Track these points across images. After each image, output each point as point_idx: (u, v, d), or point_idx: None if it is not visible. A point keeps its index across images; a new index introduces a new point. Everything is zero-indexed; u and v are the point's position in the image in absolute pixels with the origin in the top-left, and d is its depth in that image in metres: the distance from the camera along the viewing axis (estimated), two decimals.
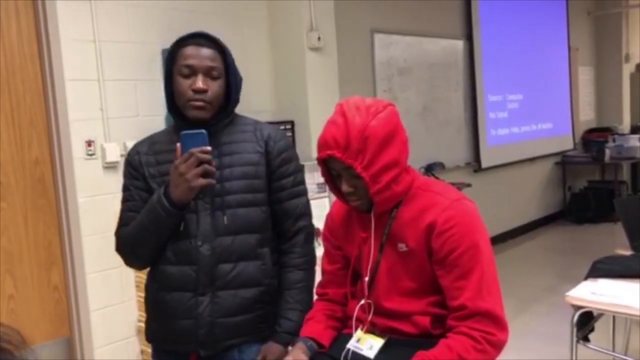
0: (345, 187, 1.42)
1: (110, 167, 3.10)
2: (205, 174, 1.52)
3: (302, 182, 1.76)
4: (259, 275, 1.64)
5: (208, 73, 1.60)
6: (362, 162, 1.35)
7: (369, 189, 1.38)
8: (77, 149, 2.97)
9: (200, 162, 1.51)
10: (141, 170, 1.68)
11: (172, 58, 1.63)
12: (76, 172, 2.97)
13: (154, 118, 3.30)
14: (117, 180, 3.11)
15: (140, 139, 3.12)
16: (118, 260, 3.09)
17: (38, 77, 2.91)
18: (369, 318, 1.48)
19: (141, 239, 1.63)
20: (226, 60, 1.63)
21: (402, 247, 1.43)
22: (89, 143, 3.02)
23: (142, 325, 3.18)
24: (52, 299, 2.98)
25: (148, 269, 1.75)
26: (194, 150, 1.51)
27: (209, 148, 1.52)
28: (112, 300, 3.13)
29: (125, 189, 1.72)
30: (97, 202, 3.05)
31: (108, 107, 3.09)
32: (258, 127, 1.72)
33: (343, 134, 1.36)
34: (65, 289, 3.01)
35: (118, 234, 1.70)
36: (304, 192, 1.76)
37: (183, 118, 1.64)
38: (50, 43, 2.88)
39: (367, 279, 1.48)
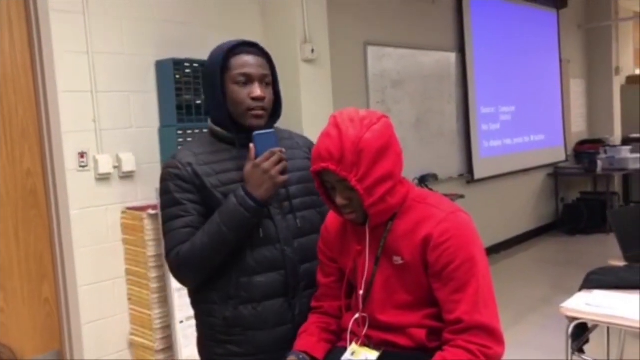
0: (339, 200, 1.41)
1: (102, 179, 3.08)
2: (282, 171, 1.57)
3: None
4: None
5: (262, 80, 1.62)
6: (356, 174, 1.34)
7: (363, 202, 1.37)
8: (70, 160, 2.96)
9: (281, 160, 1.56)
10: (197, 182, 1.60)
11: (223, 66, 1.61)
12: (68, 184, 2.95)
13: (147, 130, 3.29)
14: (109, 193, 3.11)
15: (133, 150, 3.18)
16: (110, 273, 3.13)
17: (31, 88, 2.90)
18: (364, 332, 1.47)
19: (218, 249, 1.56)
20: (273, 69, 1.67)
21: (397, 260, 1.42)
22: (82, 155, 3.00)
23: (134, 338, 3.15)
24: (43, 312, 2.94)
25: (191, 291, 1.71)
26: (275, 149, 1.56)
27: (284, 149, 1.59)
28: (104, 314, 3.10)
29: (175, 204, 1.60)
30: (89, 215, 3.03)
31: (101, 119, 3.08)
32: (293, 135, 1.82)
33: (337, 146, 1.35)
34: (57, 302, 2.98)
35: (176, 252, 1.59)
36: None
37: (225, 127, 1.64)
38: (43, 54, 2.87)
39: (362, 292, 1.47)
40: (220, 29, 3.62)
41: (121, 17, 3.18)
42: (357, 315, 1.48)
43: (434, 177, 5.48)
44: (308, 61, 3.79)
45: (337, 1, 4.41)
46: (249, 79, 1.60)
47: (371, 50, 4.96)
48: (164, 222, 1.64)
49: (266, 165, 1.54)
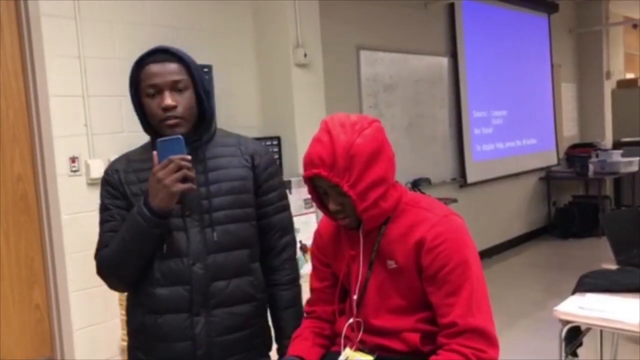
0: (332, 206, 1.41)
1: (94, 183, 3.06)
2: (184, 180, 1.49)
3: (286, 196, 1.75)
4: (252, 290, 1.63)
5: (174, 87, 1.55)
6: (348, 180, 1.34)
7: (356, 207, 1.37)
8: (61, 165, 2.94)
9: (180, 168, 1.48)
10: (122, 189, 1.61)
11: (135, 80, 1.58)
12: (59, 189, 2.93)
13: (139, 134, 3.23)
14: None
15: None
16: None
17: (22, 92, 2.88)
18: (358, 337, 1.46)
19: (124, 257, 1.56)
20: (191, 71, 1.58)
21: (391, 264, 1.42)
22: (73, 159, 2.98)
23: (126, 344, 3.13)
24: (34, 318, 2.92)
25: (126, 293, 1.71)
26: (173, 157, 1.48)
27: (188, 157, 1.50)
28: (96, 319, 3.07)
29: (104, 209, 1.64)
30: (80, 220, 3.01)
31: (92, 123, 3.06)
32: (241, 141, 1.71)
33: (328, 152, 1.34)
34: (48, 308, 2.95)
35: (99, 256, 1.62)
36: (288, 207, 1.75)
37: (160, 135, 1.59)
38: (34, 58, 2.85)
39: (355, 297, 1.47)
40: (212, 34, 3.61)
41: (113, 22, 3.17)
42: (351, 320, 1.47)
43: (427, 181, 5.49)
44: (300, 65, 3.79)
45: (329, 6, 4.41)
46: (157, 90, 1.54)
47: (363, 54, 4.97)
48: (99, 225, 1.66)
49: (161, 173, 1.47)
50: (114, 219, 1.61)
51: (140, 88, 1.57)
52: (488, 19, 6.62)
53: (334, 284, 1.58)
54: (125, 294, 1.73)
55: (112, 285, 1.67)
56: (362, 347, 1.46)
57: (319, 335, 1.56)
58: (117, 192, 1.62)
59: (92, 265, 3.03)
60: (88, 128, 3.05)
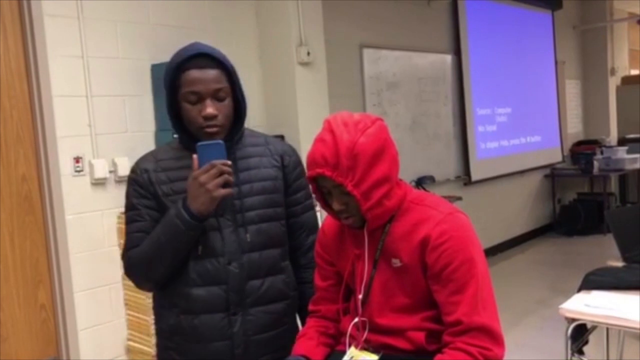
0: (336, 205, 1.40)
1: (98, 183, 3.07)
2: (225, 185, 1.50)
3: (311, 195, 1.75)
4: (286, 288, 1.66)
5: (215, 96, 1.54)
6: (352, 179, 1.33)
7: (360, 207, 1.36)
8: (65, 165, 2.94)
9: (221, 173, 1.49)
10: (152, 189, 1.60)
11: (174, 84, 1.55)
12: (64, 189, 2.93)
13: (142, 134, 3.28)
14: (105, 197, 3.09)
15: (129, 155, 3.16)
16: (107, 278, 3.11)
17: (25, 93, 2.88)
18: (364, 336, 1.46)
19: (157, 257, 1.55)
20: (231, 78, 1.58)
21: (396, 262, 1.41)
22: (77, 159, 2.99)
23: (132, 344, 3.13)
24: (39, 318, 2.92)
25: (152, 294, 1.71)
26: (216, 162, 1.48)
27: (229, 162, 1.51)
28: (101, 319, 3.08)
29: (132, 208, 1.62)
30: (85, 219, 3.01)
31: (96, 123, 3.07)
32: (269, 140, 1.74)
33: (332, 151, 1.33)
34: (53, 308, 2.96)
35: (128, 255, 1.61)
36: (314, 206, 1.77)
37: (192, 136, 1.59)
38: (37, 59, 2.86)
39: (360, 296, 1.46)
40: (216, 33, 3.61)
41: (116, 21, 3.17)
42: (356, 319, 1.47)
43: (431, 179, 5.48)
44: (304, 64, 3.79)
45: (332, 4, 4.41)
46: (199, 97, 1.53)
47: (367, 52, 4.96)
48: (125, 226, 1.65)
49: (203, 178, 1.47)
50: (143, 219, 1.60)
51: (180, 93, 1.55)
52: (491, 15, 6.60)
53: (337, 283, 1.57)
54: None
55: (140, 284, 1.68)
56: (367, 346, 1.45)
57: (324, 335, 1.56)
58: (146, 191, 1.61)
59: (97, 265, 3.06)
60: (92, 128, 3.05)
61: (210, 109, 1.53)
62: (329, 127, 1.37)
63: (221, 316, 1.57)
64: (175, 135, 1.67)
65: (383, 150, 1.36)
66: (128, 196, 1.64)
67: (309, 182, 1.44)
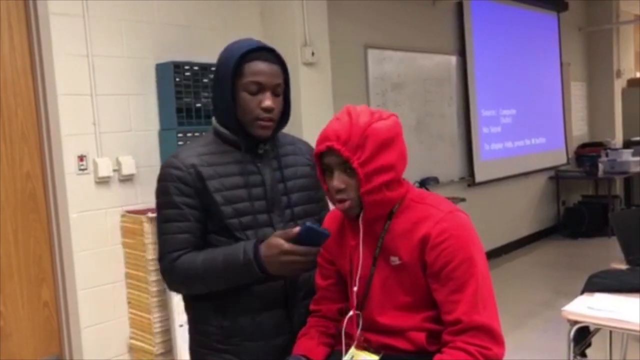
0: (336, 182, 1.40)
1: (102, 182, 3.07)
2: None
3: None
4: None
5: (274, 90, 1.57)
6: (359, 157, 1.35)
7: (360, 187, 1.36)
8: (69, 163, 2.95)
9: (309, 262, 1.47)
10: (199, 185, 1.54)
11: (236, 71, 1.54)
12: (68, 187, 2.94)
13: (147, 133, 3.29)
14: (109, 196, 3.10)
15: (133, 153, 3.18)
16: (110, 276, 3.12)
17: (30, 91, 2.90)
18: (358, 331, 1.46)
19: (209, 281, 1.52)
20: (286, 77, 1.62)
21: (395, 260, 1.41)
22: (81, 158, 3.00)
23: (134, 342, 3.14)
24: (42, 315, 2.93)
25: (185, 297, 1.69)
26: (314, 250, 1.45)
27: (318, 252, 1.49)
28: (104, 317, 3.09)
29: (173, 206, 1.55)
30: (89, 218, 3.02)
31: (100, 122, 3.08)
32: (295, 140, 1.78)
33: (346, 128, 1.37)
34: (56, 306, 2.97)
35: (171, 259, 1.54)
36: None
37: (232, 129, 1.59)
38: (43, 57, 2.87)
39: (355, 288, 1.46)
40: (220, 32, 3.61)
41: (121, 20, 3.18)
42: (351, 313, 1.47)
43: (435, 180, 5.47)
44: (308, 64, 3.79)
45: (337, 4, 4.41)
46: (260, 88, 1.55)
47: (371, 53, 4.96)
48: (160, 223, 1.59)
49: (297, 258, 1.43)
50: (187, 219, 1.55)
51: (241, 81, 1.55)
52: (497, 17, 6.58)
53: (338, 282, 1.58)
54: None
55: (176, 291, 1.67)
56: (368, 346, 1.45)
57: (325, 334, 1.56)
58: (192, 189, 1.54)
59: (100, 263, 3.07)
60: (96, 126, 3.06)
61: (270, 101, 1.55)
62: (346, 110, 1.42)
63: (280, 311, 1.59)
64: (217, 126, 1.63)
65: (394, 141, 1.39)
66: (166, 193, 1.56)
67: (315, 161, 1.45)
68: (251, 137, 1.60)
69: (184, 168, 1.55)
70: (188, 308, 1.69)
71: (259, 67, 1.55)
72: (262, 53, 1.57)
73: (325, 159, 1.41)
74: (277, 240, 1.44)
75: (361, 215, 1.43)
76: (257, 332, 1.58)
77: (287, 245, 1.43)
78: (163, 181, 1.58)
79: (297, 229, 1.43)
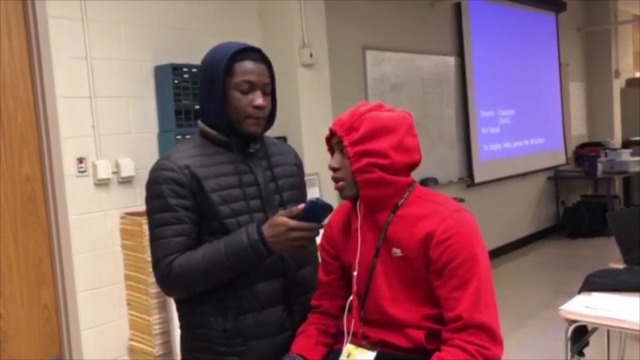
0: (332, 162, 1.49)
1: (101, 184, 3.08)
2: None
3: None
4: (316, 277, 1.70)
5: (264, 89, 1.61)
6: (351, 138, 1.43)
7: (351, 165, 1.43)
8: (68, 166, 2.96)
9: (314, 237, 1.50)
10: (195, 186, 1.53)
11: (225, 71, 1.56)
12: (67, 190, 2.95)
13: (146, 135, 3.30)
14: (108, 198, 3.11)
15: (132, 156, 3.19)
16: (109, 278, 3.13)
17: (29, 94, 2.90)
18: (353, 322, 1.47)
19: (213, 277, 1.52)
20: (272, 76, 1.66)
21: (396, 252, 1.43)
22: (80, 160, 3.00)
23: (134, 344, 3.15)
24: (42, 317, 2.94)
25: (178, 304, 1.68)
26: (318, 226, 1.47)
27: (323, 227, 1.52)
28: (104, 319, 3.09)
29: (168, 209, 1.53)
30: (88, 220, 3.03)
31: (100, 124, 3.08)
32: (277, 141, 1.82)
33: (349, 114, 1.47)
34: (56, 308, 2.97)
35: (167, 263, 1.52)
36: None
37: (221, 130, 1.60)
38: (41, 60, 2.88)
39: (355, 273, 1.48)
40: (219, 34, 3.62)
41: (119, 23, 3.19)
42: (351, 298, 1.49)
43: (434, 181, 5.48)
44: (306, 66, 3.80)
45: (335, 6, 4.42)
46: (251, 87, 1.58)
47: (370, 54, 4.97)
48: (153, 228, 1.56)
49: (302, 234, 1.46)
50: (183, 222, 1.53)
51: (231, 80, 1.57)
52: (495, 17, 6.60)
53: (340, 277, 1.59)
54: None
55: (176, 295, 1.64)
56: (364, 343, 1.46)
57: (324, 333, 1.57)
58: (187, 191, 1.53)
59: (99, 265, 3.07)
60: (95, 129, 3.07)
61: (261, 100, 1.59)
62: (360, 103, 1.52)
63: (282, 308, 1.61)
64: (205, 128, 1.63)
65: (392, 131, 1.44)
66: (160, 196, 1.54)
67: (326, 143, 1.53)
68: (242, 137, 1.61)
69: (178, 169, 1.54)
70: (185, 315, 1.66)
71: (249, 67, 1.59)
72: (250, 53, 1.61)
73: (331, 142, 1.52)
74: (282, 219, 1.47)
75: (358, 200, 1.49)
76: (260, 330, 1.58)
77: (292, 222, 1.45)
78: (155, 184, 1.57)
79: (301, 206, 1.46)
